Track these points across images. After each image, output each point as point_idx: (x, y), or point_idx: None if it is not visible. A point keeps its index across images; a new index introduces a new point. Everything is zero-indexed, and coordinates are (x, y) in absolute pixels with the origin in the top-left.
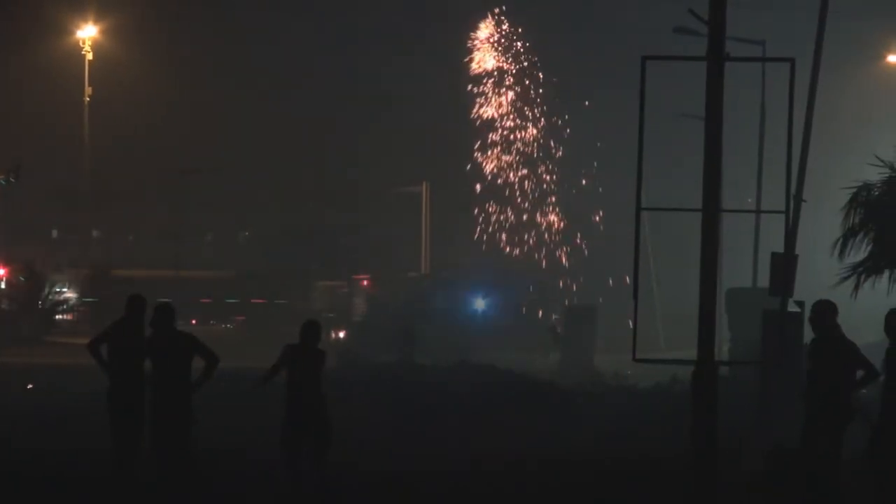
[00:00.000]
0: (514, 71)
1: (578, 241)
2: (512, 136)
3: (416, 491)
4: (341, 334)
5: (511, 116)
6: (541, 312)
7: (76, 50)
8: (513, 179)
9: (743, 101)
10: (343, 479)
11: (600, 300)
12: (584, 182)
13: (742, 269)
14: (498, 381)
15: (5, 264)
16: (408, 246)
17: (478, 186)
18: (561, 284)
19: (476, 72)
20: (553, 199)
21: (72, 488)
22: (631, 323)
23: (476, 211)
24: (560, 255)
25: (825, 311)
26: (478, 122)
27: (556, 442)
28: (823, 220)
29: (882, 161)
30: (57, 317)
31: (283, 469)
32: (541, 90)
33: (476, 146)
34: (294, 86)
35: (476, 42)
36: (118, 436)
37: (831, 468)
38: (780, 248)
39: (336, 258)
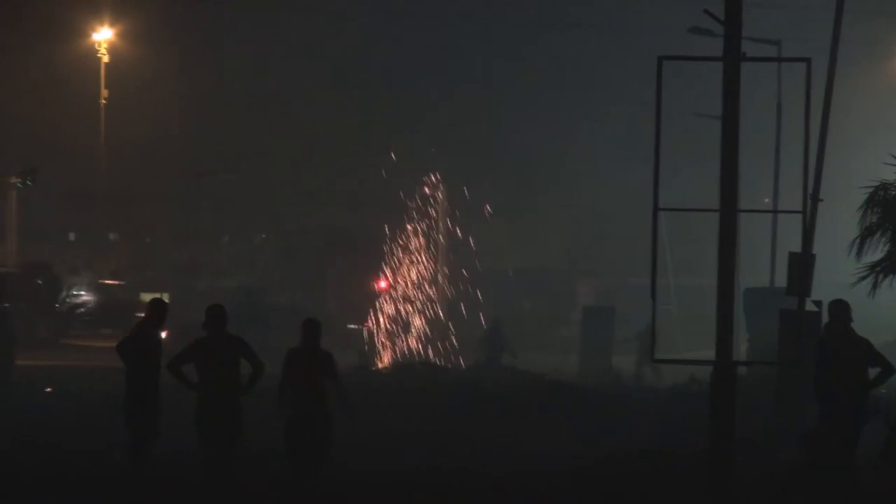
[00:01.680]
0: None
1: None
2: None
3: (447, 489)
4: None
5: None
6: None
7: (92, 53)
8: None
9: (758, 99)
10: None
11: (618, 301)
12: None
13: (760, 268)
14: (518, 383)
15: (22, 267)
16: None
17: None
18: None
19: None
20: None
21: (90, 488)
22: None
23: None
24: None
25: (840, 310)
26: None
27: (579, 441)
28: (840, 219)
29: None
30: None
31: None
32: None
33: None
34: (311, 88)
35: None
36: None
37: (848, 467)
38: (797, 248)
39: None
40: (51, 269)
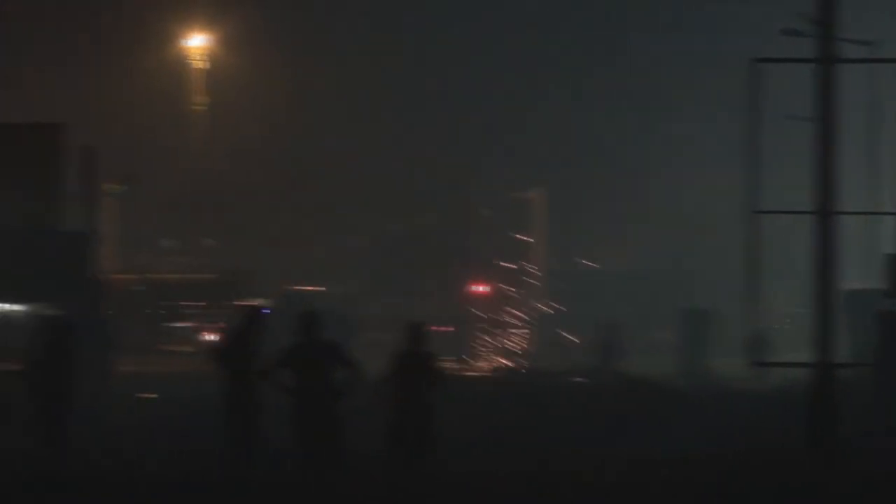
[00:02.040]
0: None
1: None
2: None
3: (555, 488)
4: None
5: None
6: None
7: (187, 59)
8: None
9: (849, 99)
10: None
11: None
12: None
13: (860, 270)
14: (618, 385)
15: (121, 273)
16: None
17: None
18: None
19: None
20: None
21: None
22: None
23: None
24: None
25: None
26: None
27: (677, 442)
28: None
29: None
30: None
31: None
32: None
33: None
34: (411, 92)
35: None
36: (230, 439)
37: None
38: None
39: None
40: (148, 275)
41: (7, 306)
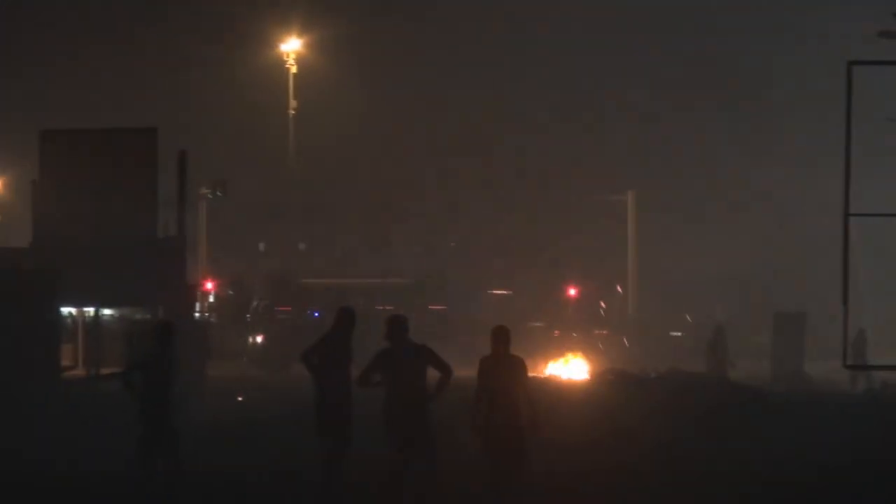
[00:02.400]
0: None
1: None
2: None
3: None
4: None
5: None
6: None
7: (280, 63)
8: None
9: None
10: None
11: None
12: None
13: None
14: (709, 388)
15: (214, 278)
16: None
17: None
18: None
19: None
20: None
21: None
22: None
23: None
24: None
25: None
26: None
27: (772, 447)
28: None
29: None
30: None
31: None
32: None
33: None
34: (500, 94)
35: None
36: (323, 448)
37: None
38: None
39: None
40: (242, 280)
41: (103, 311)
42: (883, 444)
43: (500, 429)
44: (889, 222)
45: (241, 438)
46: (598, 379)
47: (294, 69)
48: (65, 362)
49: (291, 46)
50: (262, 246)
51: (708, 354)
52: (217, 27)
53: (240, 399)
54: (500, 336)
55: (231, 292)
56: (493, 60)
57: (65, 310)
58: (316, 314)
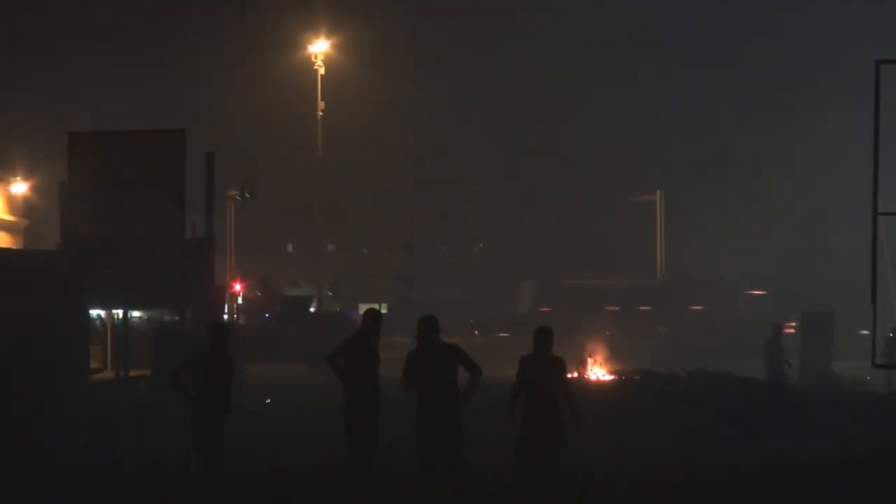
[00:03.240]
0: None
1: None
2: None
3: (675, 493)
4: None
5: None
6: None
7: (308, 65)
8: None
9: None
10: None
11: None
12: None
13: None
14: (737, 388)
15: (242, 279)
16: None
17: None
18: None
19: None
20: None
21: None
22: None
23: None
24: None
25: None
26: None
27: (800, 447)
28: None
29: None
30: None
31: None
32: None
33: None
34: (529, 99)
35: None
36: (351, 449)
37: None
38: None
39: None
40: (270, 281)
41: (131, 313)
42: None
43: (541, 422)
44: None
45: (278, 438)
46: (626, 379)
47: (322, 70)
48: (93, 364)
49: (319, 48)
50: (290, 247)
51: (766, 354)
52: (245, 30)
53: (268, 401)
54: (543, 336)
55: (259, 293)
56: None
57: (93, 312)
58: (351, 314)
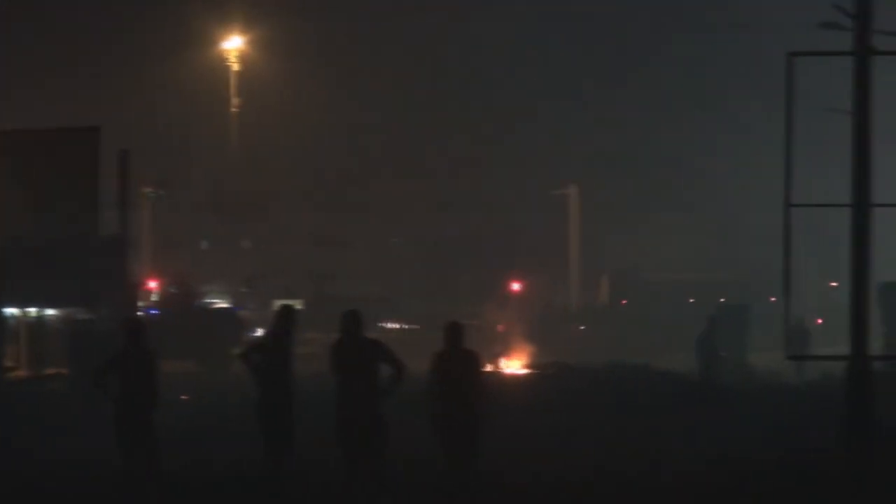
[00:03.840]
0: None
1: None
2: None
3: (591, 492)
4: None
5: None
6: None
7: (222, 61)
8: None
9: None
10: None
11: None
12: None
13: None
14: (652, 381)
15: (157, 276)
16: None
17: None
18: None
19: None
20: None
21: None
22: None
23: None
24: None
25: None
26: None
27: (715, 441)
28: None
29: None
30: None
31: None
32: None
33: None
34: (442, 93)
35: None
36: (268, 443)
37: None
38: None
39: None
40: (185, 278)
41: (43, 311)
42: (807, 433)
43: (456, 418)
44: (829, 211)
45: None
46: (541, 372)
47: (236, 67)
48: (7, 363)
49: (233, 44)
50: (204, 244)
51: (699, 348)
52: (161, 27)
53: (184, 398)
54: (454, 332)
55: (173, 290)
56: (434, 51)
57: (7, 311)
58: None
